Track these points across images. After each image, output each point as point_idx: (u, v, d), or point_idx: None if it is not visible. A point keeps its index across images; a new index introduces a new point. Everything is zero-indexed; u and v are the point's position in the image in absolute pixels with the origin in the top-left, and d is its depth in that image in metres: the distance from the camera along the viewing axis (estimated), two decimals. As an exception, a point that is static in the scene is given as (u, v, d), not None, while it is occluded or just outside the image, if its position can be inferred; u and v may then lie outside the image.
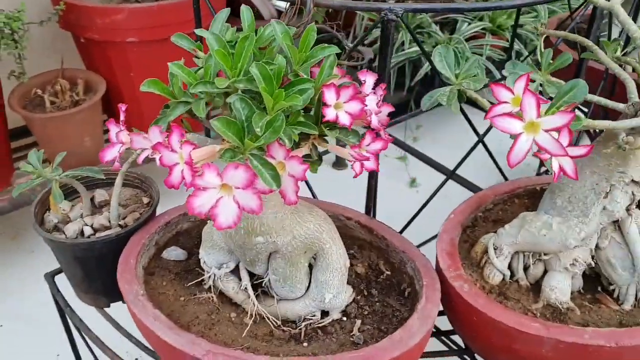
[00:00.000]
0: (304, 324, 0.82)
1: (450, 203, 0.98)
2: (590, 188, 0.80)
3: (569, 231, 0.80)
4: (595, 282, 0.89)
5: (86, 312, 1.02)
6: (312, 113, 0.71)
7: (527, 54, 2.22)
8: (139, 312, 0.78)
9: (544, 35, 0.86)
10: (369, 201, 0.96)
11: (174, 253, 0.92)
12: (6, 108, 1.59)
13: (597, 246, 0.84)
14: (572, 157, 0.61)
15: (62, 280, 1.02)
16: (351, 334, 0.81)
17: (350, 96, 0.69)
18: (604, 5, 0.80)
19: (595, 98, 0.74)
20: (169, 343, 0.74)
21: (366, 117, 0.72)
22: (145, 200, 1.01)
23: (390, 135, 0.76)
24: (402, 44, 2.23)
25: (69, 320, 1.05)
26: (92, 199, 1.00)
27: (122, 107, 0.72)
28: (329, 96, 0.68)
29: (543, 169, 1.81)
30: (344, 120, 0.68)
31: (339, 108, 0.69)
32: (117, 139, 0.70)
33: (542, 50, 0.84)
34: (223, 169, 0.61)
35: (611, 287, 0.86)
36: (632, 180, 0.79)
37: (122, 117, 0.71)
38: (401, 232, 1.22)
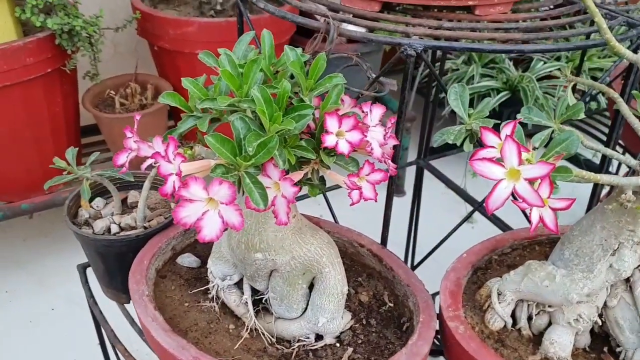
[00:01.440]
0: (297, 344, 0.84)
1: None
2: (598, 243, 0.77)
3: (572, 285, 0.78)
4: (604, 341, 0.84)
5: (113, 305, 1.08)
6: (312, 140, 0.73)
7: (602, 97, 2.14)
8: (140, 311, 0.82)
9: (572, 83, 0.84)
10: (384, 230, 0.96)
11: (188, 260, 0.96)
12: (80, 106, 1.72)
13: (605, 304, 0.81)
14: (552, 209, 0.59)
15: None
16: (340, 360, 0.82)
17: (351, 125, 0.70)
18: (630, 57, 0.77)
19: (604, 150, 0.72)
20: (160, 344, 0.78)
21: (366, 147, 0.73)
22: (173, 205, 1.06)
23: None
24: (472, 77, 2.21)
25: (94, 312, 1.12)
26: (125, 200, 1.06)
27: (137, 116, 0.77)
28: (331, 123, 0.70)
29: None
30: (343, 148, 0.70)
31: (341, 136, 0.71)
32: (126, 145, 0.75)
33: (571, 97, 0.82)
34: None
35: (618, 349, 0.82)
36: (645, 240, 0.75)
37: (136, 126, 0.75)
38: (416, 266, 1.22)
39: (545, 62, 2.19)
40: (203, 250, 0.99)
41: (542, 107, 2.01)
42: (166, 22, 1.67)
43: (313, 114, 0.70)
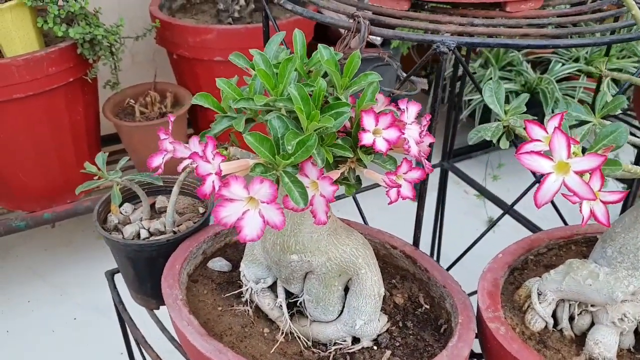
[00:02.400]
0: (333, 348, 0.82)
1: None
2: (644, 240, 0.75)
3: (616, 283, 0.76)
4: (650, 342, 0.82)
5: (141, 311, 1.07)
6: (348, 137, 0.72)
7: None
8: (175, 315, 0.81)
9: (608, 77, 0.83)
10: (417, 231, 0.95)
11: (219, 264, 0.95)
12: (100, 115, 1.72)
13: (651, 303, 0.79)
14: (604, 203, 0.58)
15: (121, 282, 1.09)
16: (379, 363, 0.80)
17: (388, 123, 0.69)
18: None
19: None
20: (197, 348, 0.77)
21: (404, 145, 0.72)
22: (201, 209, 1.05)
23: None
24: (491, 79, 2.20)
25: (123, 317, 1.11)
26: (153, 205, 1.05)
27: (172, 117, 0.76)
28: (368, 121, 0.69)
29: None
30: (380, 146, 0.69)
31: (378, 134, 0.70)
32: (161, 147, 0.74)
33: (607, 92, 0.80)
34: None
35: (666, 350, 0.80)
36: (692, 236, 0.73)
37: (170, 127, 0.75)
38: (450, 267, 1.20)
39: (563, 64, 2.18)
40: (234, 254, 0.98)
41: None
42: (185, 30, 1.67)
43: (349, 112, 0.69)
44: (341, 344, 0.83)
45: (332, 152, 0.69)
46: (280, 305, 0.85)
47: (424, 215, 0.94)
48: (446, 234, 1.68)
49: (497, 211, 2.07)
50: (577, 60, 2.18)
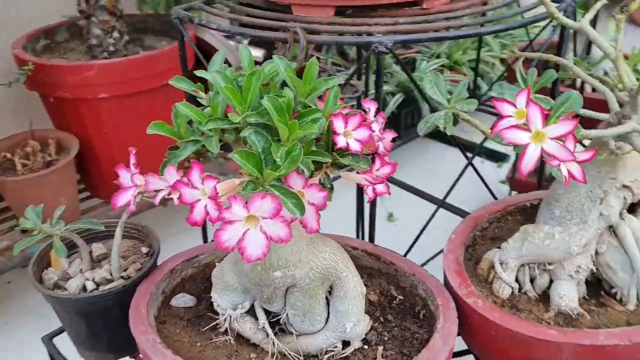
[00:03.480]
0: (326, 356, 0.82)
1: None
2: (585, 196, 0.84)
3: (571, 239, 0.84)
4: (596, 287, 0.91)
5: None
6: (322, 143, 0.72)
7: (485, 86, 2.32)
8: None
9: (522, 59, 0.91)
10: (371, 230, 0.98)
11: (183, 300, 0.90)
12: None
13: (596, 252, 0.88)
14: (578, 162, 0.64)
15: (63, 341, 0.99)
16: (375, 360, 0.81)
17: (357, 124, 0.71)
18: (573, 25, 0.85)
19: (582, 111, 0.79)
20: (194, 388, 0.73)
21: (374, 143, 0.74)
22: (144, 250, 1.00)
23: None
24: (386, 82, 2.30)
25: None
26: (89, 254, 0.98)
27: (132, 150, 0.72)
28: (338, 125, 0.70)
29: (513, 193, 1.88)
30: (355, 147, 0.70)
31: (348, 136, 0.71)
32: (131, 182, 0.69)
33: (522, 71, 0.88)
34: (246, 200, 0.62)
35: (613, 290, 0.89)
36: (623, 185, 0.83)
37: (133, 160, 0.71)
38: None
39: (427, 61, 2.34)
40: (193, 287, 0.94)
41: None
42: (63, 69, 1.57)
43: (320, 118, 0.70)
44: (333, 350, 0.82)
45: (311, 160, 0.70)
46: (263, 327, 0.83)
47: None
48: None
49: (394, 206, 2.15)
50: (439, 56, 2.35)
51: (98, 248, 0.99)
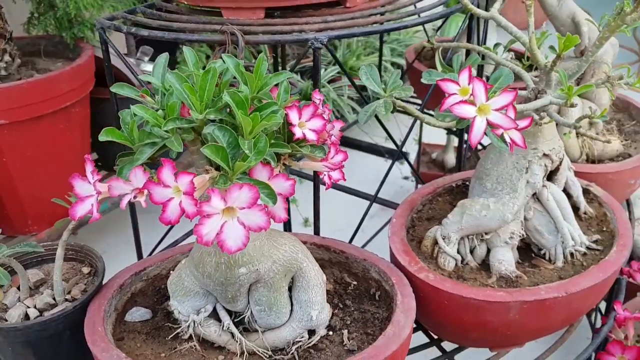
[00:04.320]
0: (294, 347, 0.83)
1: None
2: (512, 167, 0.92)
3: (504, 207, 0.91)
4: (525, 251, 1.00)
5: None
6: (279, 135, 0.74)
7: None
8: (128, 375, 0.74)
9: (440, 48, 0.98)
10: (316, 222, 1.00)
11: (138, 314, 0.88)
12: None
13: (524, 218, 0.96)
14: (518, 130, 0.71)
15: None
16: (343, 344, 0.83)
17: (311, 115, 0.74)
18: (485, 15, 0.94)
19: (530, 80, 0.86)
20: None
21: (327, 132, 0.77)
22: (85, 270, 0.96)
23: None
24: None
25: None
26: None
27: (89, 157, 0.70)
28: (293, 116, 0.73)
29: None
30: (311, 136, 0.73)
31: (303, 127, 0.74)
32: (94, 189, 0.67)
33: (441, 59, 0.96)
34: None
35: (542, 252, 0.98)
36: (544, 154, 0.92)
37: (91, 167, 0.68)
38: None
39: (325, 69, 2.41)
40: (145, 301, 0.92)
41: (339, 105, 2.20)
42: (-47, 98, 1.46)
43: (276, 110, 0.71)
44: (300, 340, 0.84)
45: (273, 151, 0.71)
46: (228, 328, 0.83)
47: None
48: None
49: (309, 212, 2.18)
50: (335, 64, 2.43)
51: (33, 274, 0.93)
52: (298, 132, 0.72)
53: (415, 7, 1.19)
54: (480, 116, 0.69)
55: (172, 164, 0.63)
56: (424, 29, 1.60)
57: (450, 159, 2.20)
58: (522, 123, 0.72)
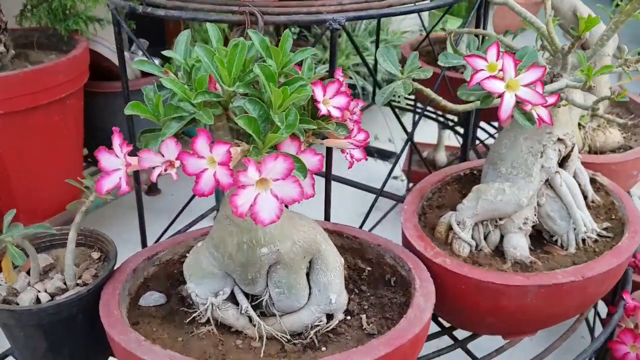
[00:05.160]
0: (312, 332, 0.82)
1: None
2: (527, 152, 0.92)
3: (520, 192, 0.91)
4: (537, 239, 1.00)
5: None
6: (304, 112, 0.73)
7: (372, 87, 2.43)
8: (150, 357, 0.72)
9: (452, 34, 0.98)
10: (327, 208, 0.99)
11: (153, 298, 0.86)
12: None
13: (537, 204, 0.97)
14: (545, 107, 0.71)
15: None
16: (362, 328, 0.83)
17: (335, 92, 0.73)
18: (499, 1, 0.94)
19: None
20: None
21: (352, 109, 0.76)
22: (95, 255, 0.93)
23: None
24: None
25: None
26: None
27: (117, 129, 0.68)
28: (318, 93, 0.72)
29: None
30: (336, 113, 0.73)
31: (327, 104, 0.73)
32: (124, 161, 0.66)
33: (452, 44, 0.96)
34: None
35: (554, 239, 0.98)
36: (558, 139, 0.93)
37: (119, 139, 0.67)
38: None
39: (315, 68, 2.41)
40: (159, 285, 0.90)
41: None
42: (-54, 87, 1.42)
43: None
44: (318, 324, 0.83)
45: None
46: (247, 311, 0.82)
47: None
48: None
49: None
50: (324, 62, 2.43)
51: (43, 259, 0.91)
52: (323, 109, 0.72)
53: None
54: (509, 92, 0.69)
55: (207, 134, 0.61)
56: (422, 23, 1.61)
57: (441, 157, 2.22)
58: (550, 99, 0.72)
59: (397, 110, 2.20)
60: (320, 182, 0.96)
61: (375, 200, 1.20)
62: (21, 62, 1.68)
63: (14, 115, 1.50)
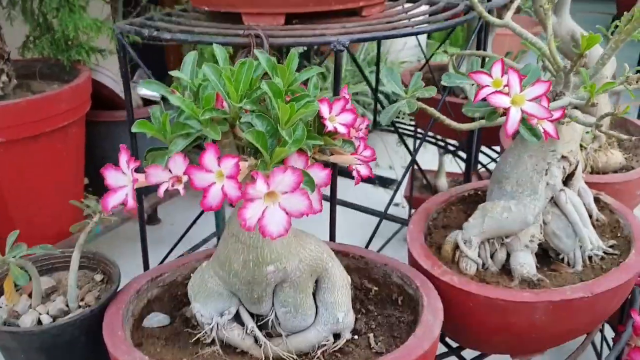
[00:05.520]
0: (319, 351, 0.81)
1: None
2: (532, 169, 0.92)
3: (526, 209, 0.91)
4: (543, 257, 0.99)
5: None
6: (310, 128, 0.74)
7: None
8: (154, 376, 0.71)
9: (454, 56, 1.00)
10: (332, 229, 0.99)
11: (156, 319, 0.85)
12: None
13: (543, 222, 0.96)
14: (551, 121, 0.72)
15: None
16: (370, 347, 0.81)
17: (341, 109, 0.74)
18: (500, 23, 0.96)
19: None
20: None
21: (358, 126, 0.77)
22: (98, 277, 0.93)
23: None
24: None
25: None
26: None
27: (124, 146, 0.68)
28: (324, 110, 0.72)
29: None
30: (342, 130, 0.73)
31: (333, 121, 0.73)
32: (131, 177, 0.65)
33: (454, 66, 0.97)
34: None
35: (560, 257, 0.98)
36: (562, 156, 0.93)
37: (126, 156, 0.67)
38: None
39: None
40: (162, 307, 0.89)
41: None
42: (-51, 114, 1.43)
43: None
44: (325, 344, 0.81)
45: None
46: (252, 331, 0.81)
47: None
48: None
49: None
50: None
51: (45, 282, 0.90)
52: (330, 126, 0.72)
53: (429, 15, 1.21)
54: (515, 106, 0.70)
55: (215, 148, 0.62)
56: (421, 48, 1.64)
57: (443, 183, 2.22)
58: (556, 114, 0.73)
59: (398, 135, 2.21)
60: (325, 205, 0.96)
61: (380, 222, 1.19)
62: (23, 92, 1.70)
63: (16, 144, 1.51)
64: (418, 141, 1.93)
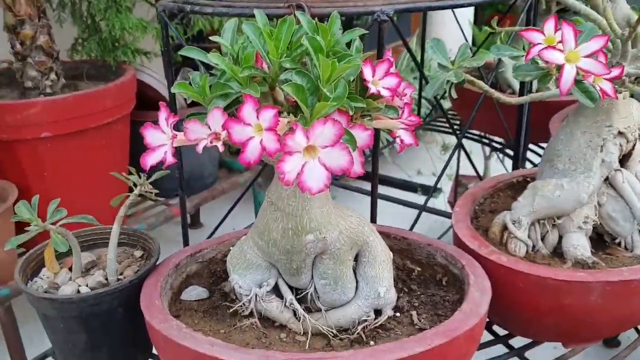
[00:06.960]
0: (360, 327, 0.78)
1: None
2: (586, 146, 0.88)
3: (579, 187, 0.87)
4: (597, 241, 0.94)
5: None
6: (352, 91, 0.72)
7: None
8: (190, 344, 0.69)
9: (502, 31, 0.96)
10: (373, 209, 0.96)
11: (195, 292, 0.83)
12: None
13: (598, 204, 0.91)
14: (609, 80, 0.68)
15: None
16: (413, 324, 0.78)
17: (384, 72, 0.72)
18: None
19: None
20: (239, 364, 0.66)
21: (402, 91, 0.74)
22: (138, 253, 0.92)
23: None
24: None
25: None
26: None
27: (163, 103, 0.68)
28: (367, 72, 0.70)
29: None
30: (386, 93, 0.70)
31: (376, 85, 0.71)
32: (170, 133, 0.64)
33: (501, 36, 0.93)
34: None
35: (616, 241, 0.92)
36: (619, 132, 0.88)
37: (165, 113, 0.66)
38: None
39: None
40: (201, 282, 0.87)
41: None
42: (3, 108, 1.47)
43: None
44: (366, 320, 0.78)
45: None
46: (291, 304, 0.78)
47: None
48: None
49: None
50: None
51: (85, 257, 0.90)
52: (373, 89, 0.70)
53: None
54: (569, 64, 0.66)
55: (254, 100, 0.60)
56: (465, 37, 1.60)
57: (489, 189, 2.16)
58: (615, 71, 0.68)
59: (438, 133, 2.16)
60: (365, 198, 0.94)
61: (419, 215, 1.16)
62: (70, 91, 1.73)
63: (63, 139, 1.54)
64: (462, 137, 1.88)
